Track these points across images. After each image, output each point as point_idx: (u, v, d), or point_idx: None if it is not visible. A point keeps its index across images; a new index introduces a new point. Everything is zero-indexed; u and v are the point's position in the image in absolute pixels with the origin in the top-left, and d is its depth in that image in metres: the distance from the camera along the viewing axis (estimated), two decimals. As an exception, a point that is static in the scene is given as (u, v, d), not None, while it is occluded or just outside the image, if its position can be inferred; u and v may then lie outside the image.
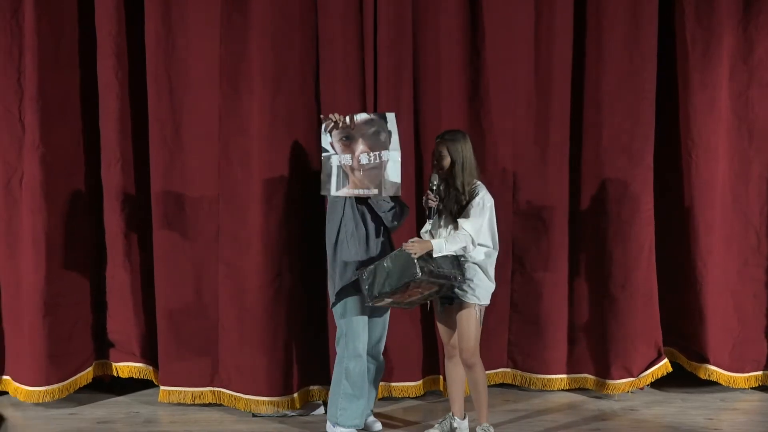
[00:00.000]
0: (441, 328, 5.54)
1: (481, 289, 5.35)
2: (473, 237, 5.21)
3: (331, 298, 5.55)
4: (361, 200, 5.49)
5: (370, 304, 5.29)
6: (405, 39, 6.05)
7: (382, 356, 5.69)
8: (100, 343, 6.32)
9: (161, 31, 5.93)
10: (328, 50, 5.97)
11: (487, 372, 6.19)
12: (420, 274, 5.09)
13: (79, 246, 6.16)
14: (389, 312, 5.66)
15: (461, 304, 5.35)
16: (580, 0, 6.17)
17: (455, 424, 5.57)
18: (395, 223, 5.58)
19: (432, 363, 6.28)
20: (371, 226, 5.49)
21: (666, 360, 6.34)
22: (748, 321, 6.42)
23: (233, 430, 5.81)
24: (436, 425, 5.63)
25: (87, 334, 6.24)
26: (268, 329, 5.94)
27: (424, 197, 5.38)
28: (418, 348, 6.22)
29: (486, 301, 5.40)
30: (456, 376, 5.55)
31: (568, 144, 6.21)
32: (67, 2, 6.04)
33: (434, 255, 5.17)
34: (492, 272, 5.38)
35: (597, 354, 6.32)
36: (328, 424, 5.59)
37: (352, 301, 5.46)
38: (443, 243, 5.21)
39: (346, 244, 5.45)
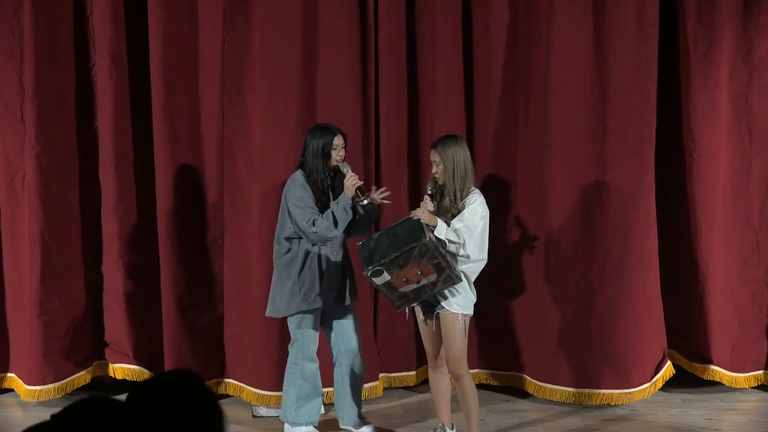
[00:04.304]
0: (423, 337, 5.39)
1: (463, 297, 5.16)
2: (466, 240, 5.08)
3: (281, 308, 5.45)
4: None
5: (368, 276, 5.02)
6: (404, 39, 6.06)
7: (360, 362, 5.54)
8: (100, 344, 6.30)
9: (163, 31, 5.93)
10: (330, 50, 5.97)
11: (498, 372, 6.17)
12: (427, 239, 4.87)
13: (75, 246, 6.15)
14: (356, 319, 5.54)
15: (445, 314, 5.18)
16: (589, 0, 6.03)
17: None
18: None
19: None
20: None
21: (670, 362, 6.29)
22: (748, 321, 6.39)
23: (233, 431, 5.81)
24: None
25: (85, 335, 6.22)
26: (273, 324, 5.95)
27: (422, 203, 5.16)
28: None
29: (469, 311, 5.20)
30: (441, 386, 5.40)
31: (572, 147, 6.04)
32: (64, 2, 6.03)
33: (435, 233, 4.98)
34: (472, 283, 5.22)
35: (612, 365, 6.10)
36: (286, 426, 5.56)
37: (307, 316, 5.42)
38: (445, 227, 5.05)
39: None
